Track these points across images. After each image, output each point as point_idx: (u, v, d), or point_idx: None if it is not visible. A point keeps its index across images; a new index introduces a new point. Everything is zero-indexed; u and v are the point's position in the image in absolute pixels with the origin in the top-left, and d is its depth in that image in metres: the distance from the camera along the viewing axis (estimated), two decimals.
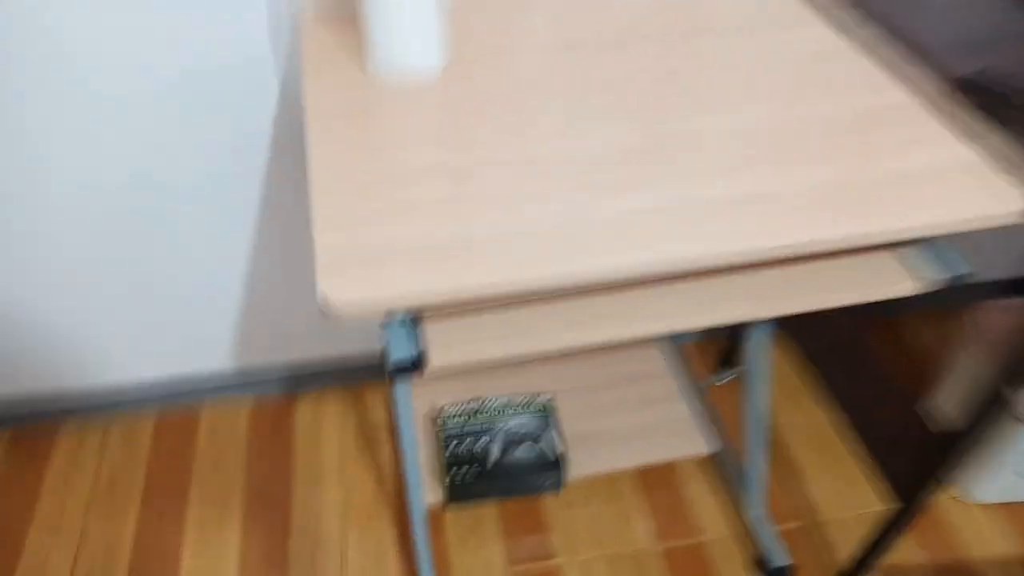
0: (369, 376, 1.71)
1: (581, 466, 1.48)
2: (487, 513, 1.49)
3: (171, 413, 1.63)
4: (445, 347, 0.80)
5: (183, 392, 1.64)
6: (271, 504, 1.49)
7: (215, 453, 1.56)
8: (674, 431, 1.55)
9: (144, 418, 1.62)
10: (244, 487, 1.52)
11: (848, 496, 1.53)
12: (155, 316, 1.47)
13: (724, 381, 1.75)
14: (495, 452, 1.43)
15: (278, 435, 1.60)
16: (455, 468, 1.40)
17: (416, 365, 0.80)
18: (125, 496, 1.49)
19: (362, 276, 0.67)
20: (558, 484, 1.47)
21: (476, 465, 1.41)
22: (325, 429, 1.62)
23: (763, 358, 1.32)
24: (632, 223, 0.70)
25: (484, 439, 1.45)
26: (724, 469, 1.58)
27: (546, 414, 1.50)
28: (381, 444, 1.61)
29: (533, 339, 0.81)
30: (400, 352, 0.80)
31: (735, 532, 1.48)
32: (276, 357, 1.63)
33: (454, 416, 1.50)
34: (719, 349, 1.82)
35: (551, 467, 1.42)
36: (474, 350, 0.81)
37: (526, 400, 1.53)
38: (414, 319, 0.83)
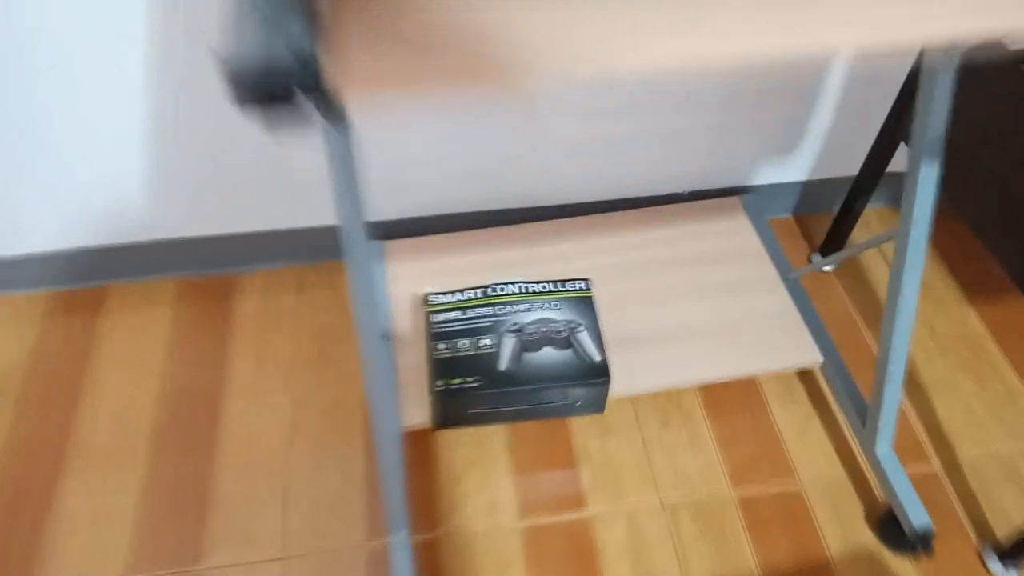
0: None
1: (630, 379, 1.04)
2: (494, 438, 1.07)
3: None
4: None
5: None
6: (191, 422, 1.08)
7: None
8: (769, 333, 1.10)
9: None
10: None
11: (1015, 428, 1.08)
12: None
13: (828, 268, 1.28)
14: (506, 356, 0.99)
15: (208, 321, 1.18)
16: (444, 378, 0.97)
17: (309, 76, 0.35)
18: None
19: None
20: (598, 404, 1.03)
21: (477, 374, 0.97)
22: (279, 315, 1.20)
23: (923, 222, 0.85)
24: None
25: (489, 338, 1.01)
26: (834, 387, 1.13)
27: (581, 305, 1.05)
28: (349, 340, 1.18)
29: None
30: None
31: (845, 475, 1.04)
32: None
33: (446, 305, 1.06)
34: (809, 228, 1.34)
35: (587, 378, 0.98)
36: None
37: (551, 284, 1.08)
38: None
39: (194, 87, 0.98)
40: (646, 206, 1.27)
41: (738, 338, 1.10)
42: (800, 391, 1.13)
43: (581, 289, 1.07)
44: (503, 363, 0.98)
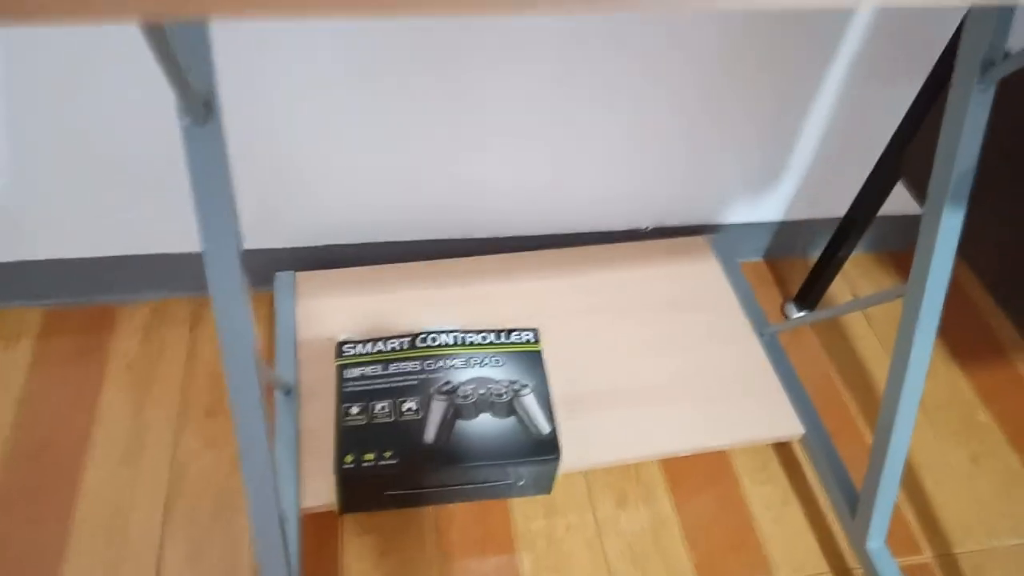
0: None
1: (582, 450, 0.87)
2: (416, 519, 0.88)
3: None
4: None
5: None
6: (43, 491, 0.86)
7: None
8: (743, 398, 0.95)
9: None
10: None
11: (1018, 519, 0.95)
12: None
13: (796, 323, 1.14)
14: (434, 424, 0.81)
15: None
16: (354, 451, 0.78)
17: None
18: None
19: None
20: (544, 484, 0.86)
21: (396, 447, 0.79)
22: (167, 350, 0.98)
23: (942, 278, 0.70)
24: None
25: (414, 400, 0.83)
26: (816, 464, 0.98)
27: (527, 360, 0.88)
28: None
29: None
30: None
31: (828, 569, 0.89)
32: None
33: (363, 357, 0.87)
34: (782, 272, 1.20)
35: (533, 455, 0.81)
36: None
37: (493, 335, 0.90)
38: None
39: (62, 73, 0.78)
40: (602, 242, 1.11)
41: (708, 403, 0.94)
42: (776, 466, 0.98)
43: (528, 341, 0.90)
44: (430, 434, 0.80)
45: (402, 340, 0.87)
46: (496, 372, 0.86)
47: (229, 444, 0.91)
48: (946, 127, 0.65)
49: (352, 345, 0.87)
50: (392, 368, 0.84)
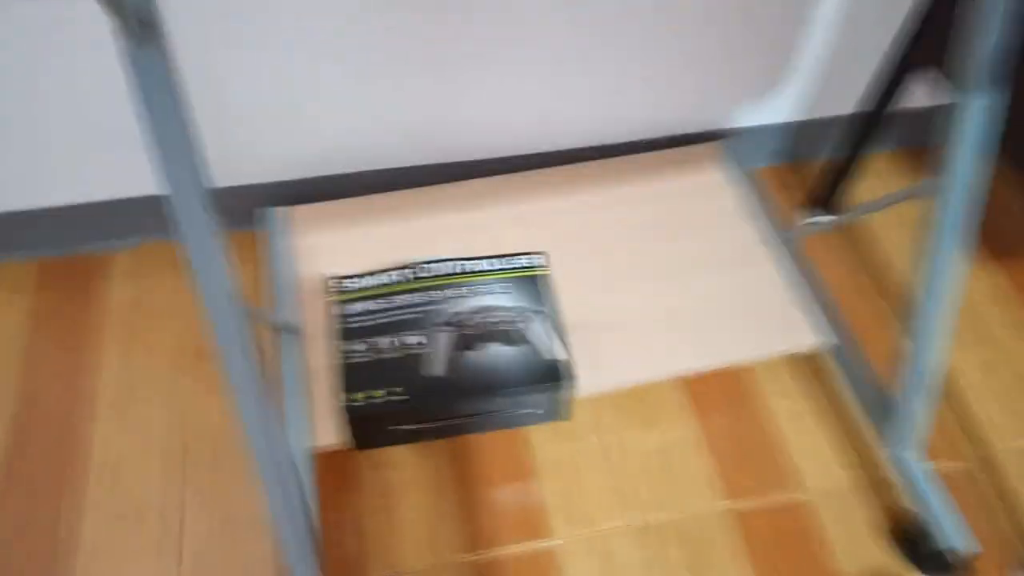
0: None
1: (596, 374, 0.83)
2: (432, 451, 0.85)
3: None
4: None
5: None
6: (50, 450, 0.84)
7: None
8: (766, 309, 0.90)
9: None
10: None
11: None
12: None
13: (824, 228, 1.08)
14: (440, 357, 0.78)
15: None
16: (361, 389, 0.75)
17: None
18: None
19: None
20: (559, 411, 0.82)
21: (403, 384, 0.75)
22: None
23: (970, 163, 0.64)
24: None
25: (418, 334, 0.79)
26: (848, 374, 0.94)
27: (535, 286, 0.84)
28: None
29: None
30: None
31: (861, 480, 0.86)
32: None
33: (361, 292, 0.83)
34: (804, 178, 1.14)
35: (546, 382, 0.77)
36: None
37: (496, 261, 0.86)
38: None
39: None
40: (605, 156, 1.05)
41: (726, 319, 0.90)
42: (804, 380, 0.94)
43: (534, 266, 0.85)
44: (438, 367, 0.76)
45: (403, 272, 0.83)
46: (503, 299, 0.82)
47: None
48: None
49: (352, 280, 0.83)
50: (394, 301, 0.80)
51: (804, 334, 0.90)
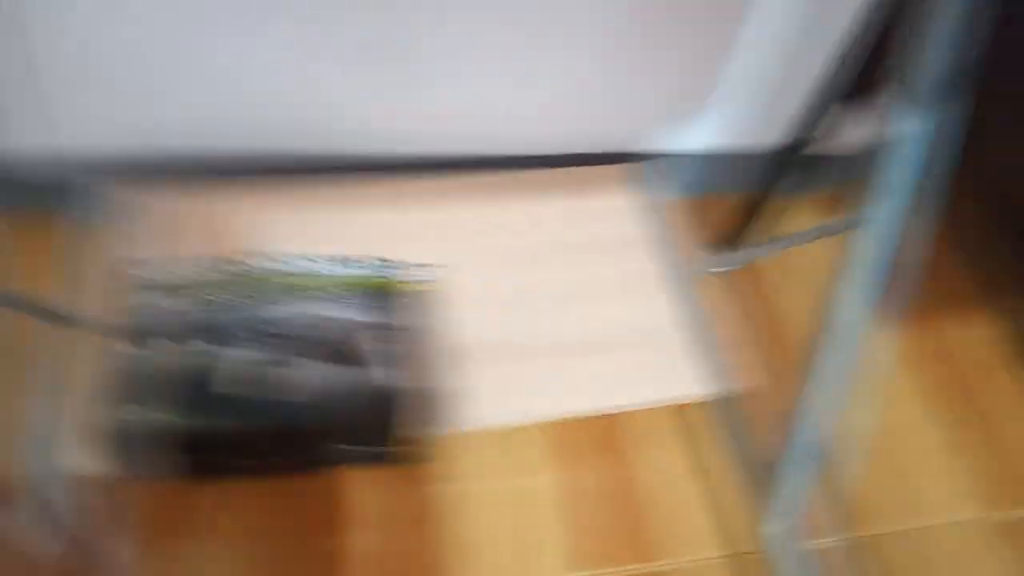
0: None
1: (454, 414, 0.71)
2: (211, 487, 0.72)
3: None
4: None
5: None
6: None
7: None
8: (649, 352, 0.79)
9: None
10: None
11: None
12: None
13: (728, 269, 0.98)
14: (229, 367, 0.65)
15: None
16: (124, 401, 0.62)
17: None
18: None
19: None
20: (387, 451, 0.70)
21: (178, 403, 0.63)
22: None
23: (900, 196, 0.54)
24: None
25: (211, 339, 0.67)
26: (729, 433, 0.83)
27: (403, 302, 0.72)
28: None
29: None
30: None
31: (733, 560, 0.74)
32: None
33: (156, 283, 0.70)
34: (720, 213, 1.04)
35: (372, 411, 0.65)
36: None
37: (356, 267, 0.74)
38: None
39: None
40: (513, 168, 0.94)
41: (606, 357, 0.79)
42: (679, 433, 0.82)
43: (408, 279, 0.74)
44: (223, 382, 0.64)
45: (225, 265, 0.71)
46: (349, 311, 0.70)
47: None
48: None
49: (158, 268, 0.70)
50: (202, 299, 0.68)
51: (689, 383, 0.79)
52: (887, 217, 0.55)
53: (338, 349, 0.68)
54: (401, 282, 0.74)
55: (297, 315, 0.69)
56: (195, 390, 0.63)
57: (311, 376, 0.66)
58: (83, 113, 0.79)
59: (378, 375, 0.66)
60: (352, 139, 0.89)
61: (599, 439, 0.81)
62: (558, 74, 0.86)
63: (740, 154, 1.00)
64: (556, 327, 0.81)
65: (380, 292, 0.72)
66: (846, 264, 0.58)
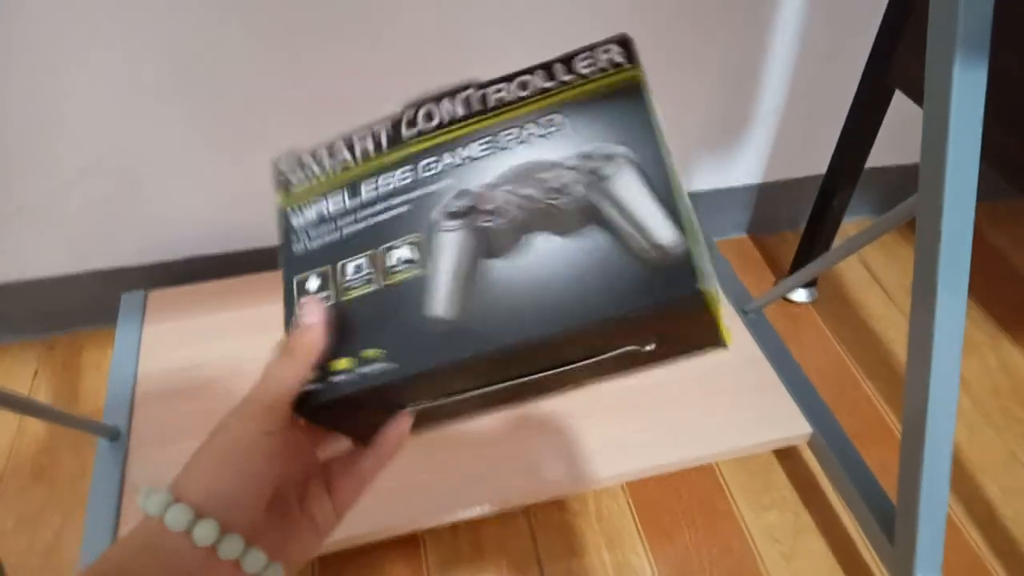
0: None
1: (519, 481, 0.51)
2: None
3: None
4: None
5: None
6: None
7: None
8: (731, 395, 0.69)
9: None
10: None
11: None
12: None
13: (802, 296, 0.91)
14: (443, 284, 0.35)
15: None
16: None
17: None
18: None
19: None
20: (699, 333, 0.44)
21: (387, 339, 0.33)
22: None
23: (967, 197, 0.49)
24: None
25: (406, 243, 0.36)
26: (833, 474, 0.73)
27: (618, 109, 0.34)
28: None
29: None
30: None
31: None
32: None
33: (314, 187, 0.38)
34: (772, 250, 0.98)
35: (657, 287, 0.42)
36: None
37: (540, 75, 0.38)
38: None
39: None
40: None
41: (684, 408, 0.67)
42: (783, 483, 0.71)
43: (615, 68, 0.36)
44: (438, 301, 0.37)
45: (377, 130, 0.40)
46: (553, 145, 0.36)
47: None
48: None
49: (304, 169, 0.40)
50: (365, 192, 0.39)
51: (785, 423, 0.69)
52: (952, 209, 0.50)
53: (572, 210, 0.35)
54: (624, 70, 0.36)
55: (504, 171, 0.37)
56: (408, 320, 0.34)
57: (548, 259, 0.35)
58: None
59: (632, 227, 0.32)
60: None
61: (697, 501, 0.65)
62: None
63: (788, 185, 0.98)
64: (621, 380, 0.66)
65: (593, 101, 0.35)
66: (924, 268, 0.51)
